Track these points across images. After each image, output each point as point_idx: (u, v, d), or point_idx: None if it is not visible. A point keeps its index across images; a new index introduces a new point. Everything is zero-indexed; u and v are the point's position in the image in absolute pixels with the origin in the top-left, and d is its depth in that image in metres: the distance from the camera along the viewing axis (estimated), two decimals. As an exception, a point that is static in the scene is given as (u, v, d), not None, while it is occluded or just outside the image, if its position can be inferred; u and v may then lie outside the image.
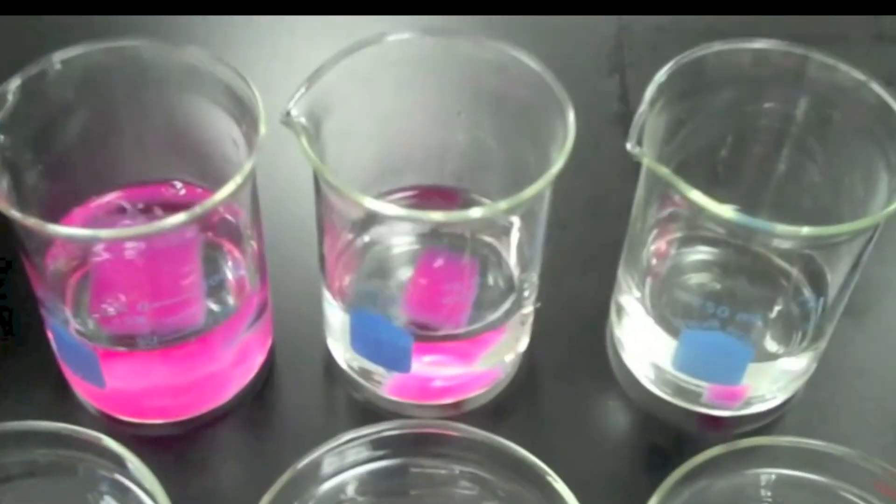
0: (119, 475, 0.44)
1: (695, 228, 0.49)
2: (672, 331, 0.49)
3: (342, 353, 0.51)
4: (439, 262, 0.50)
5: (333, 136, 0.46)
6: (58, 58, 0.45)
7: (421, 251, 0.51)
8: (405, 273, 0.51)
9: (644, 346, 0.51)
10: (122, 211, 0.49)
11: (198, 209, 0.41)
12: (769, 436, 0.48)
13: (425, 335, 0.48)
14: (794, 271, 0.50)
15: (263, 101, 0.44)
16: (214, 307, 0.48)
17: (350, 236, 0.50)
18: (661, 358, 0.50)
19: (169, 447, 0.49)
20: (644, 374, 0.51)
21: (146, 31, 0.47)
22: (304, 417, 0.51)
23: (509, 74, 0.46)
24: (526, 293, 0.49)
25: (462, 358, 0.49)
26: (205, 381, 0.49)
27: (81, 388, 0.50)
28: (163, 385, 0.48)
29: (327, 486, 0.45)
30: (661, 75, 0.46)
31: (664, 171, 0.43)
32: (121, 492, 0.44)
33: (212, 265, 0.49)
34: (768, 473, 0.46)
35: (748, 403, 0.50)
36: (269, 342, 0.52)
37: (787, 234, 0.44)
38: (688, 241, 0.51)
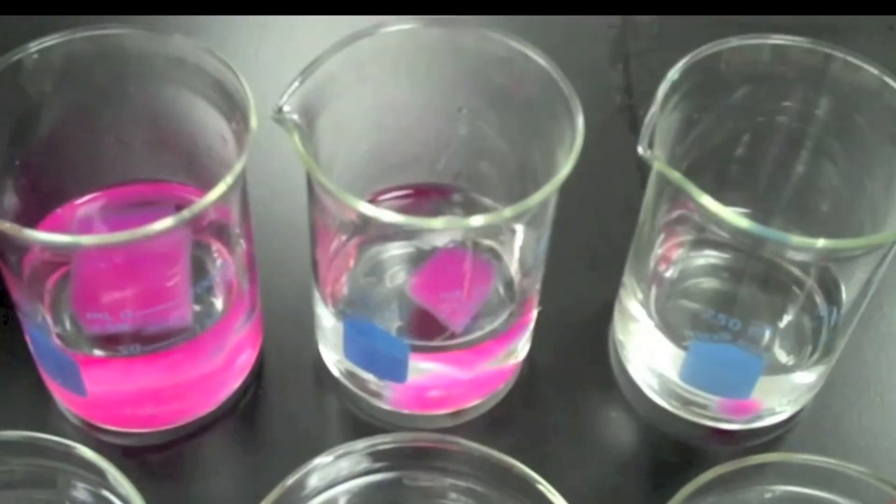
0: (98, 487, 0.42)
1: (705, 232, 0.48)
2: (678, 339, 0.47)
3: (334, 359, 0.49)
4: (437, 268, 0.48)
5: (328, 132, 0.44)
6: (35, 47, 0.43)
7: (418, 255, 0.49)
8: (401, 278, 0.49)
9: (648, 354, 0.49)
10: (105, 212, 0.47)
11: (186, 213, 0.39)
12: (780, 452, 0.47)
13: (422, 344, 0.46)
14: (808, 281, 0.48)
15: (254, 96, 0.42)
16: (201, 311, 0.46)
17: (344, 238, 0.49)
18: (667, 368, 0.48)
19: (152, 458, 0.47)
20: (648, 385, 0.50)
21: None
22: (294, 426, 0.49)
23: (514, 69, 0.44)
24: (527, 301, 0.47)
25: (459, 367, 0.47)
26: (190, 388, 0.47)
27: (61, 396, 0.48)
28: (147, 393, 0.46)
29: (319, 499, 0.43)
30: (673, 72, 0.44)
31: (676, 175, 0.41)
32: (101, 503, 0.42)
33: (199, 267, 0.47)
34: (778, 490, 0.44)
35: (757, 417, 0.49)
36: (259, 348, 0.50)
37: (801, 246, 0.42)
38: (697, 245, 0.50)
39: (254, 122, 0.41)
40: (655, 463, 0.49)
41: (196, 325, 0.46)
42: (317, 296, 0.47)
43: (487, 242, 0.49)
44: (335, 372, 0.49)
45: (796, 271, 0.49)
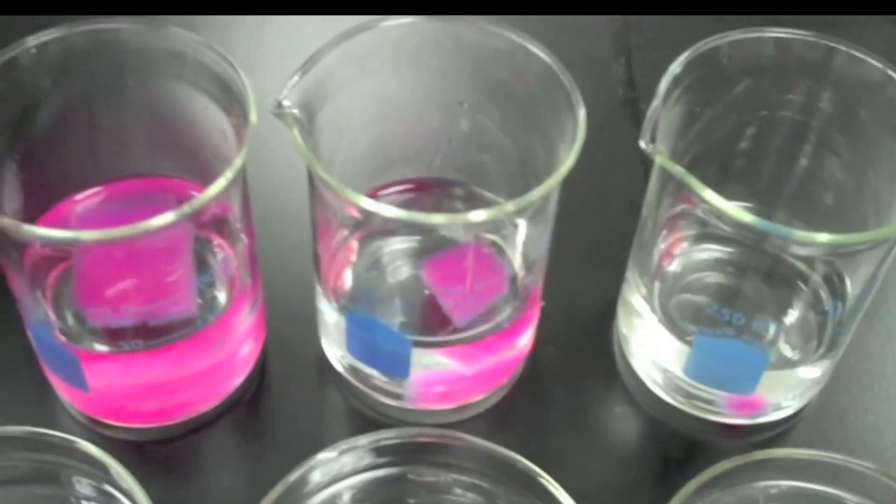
0: (101, 482, 0.42)
1: (708, 227, 0.47)
2: (681, 334, 0.47)
3: (337, 354, 0.49)
4: (439, 263, 0.48)
5: (328, 126, 0.44)
6: (32, 42, 0.43)
7: (420, 250, 0.49)
8: (403, 273, 0.49)
9: (652, 349, 0.49)
10: (106, 207, 0.47)
11: (186, 208, 0.39)
12: (785, 447, 0.46)
13: (424, 339, 0.46)
14: (813, 275, 0.48)
15: (254, 90, 0.42)
16: (203, 306, 0.46)
17: (345, 233, 0.48)
18: (671, 362, 0.48)
19: (155, 453, 0.47)
20: (652, 379, 0.49)
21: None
22: (297, 422, 0.49)
23: (516, 63, 0.44)
24: (531, 296, 0.47)
25: (463, 362, 0.47)
26: (193, 383, 0.46)
27: (64, 391, 0.47)
28: (149, 388, 0.46)
29: (322, 494, 0.43)
30: (675, 66, 0.43)
31: (679, 169, 0.41)
32: (104, 498, 0.42)
33: (201, 262, 0.46)
34: (783, 486, 0.44)
35: (762, 412, 0.48)
36: (261, 343, 0.50)
37: (805, 241, 0.41)
38: (700, 239, 0.50)
39: (254, 116, 0.41)
40: (659, 458, 0.48)
41: (198, 320, 0.45)
42: (319, 291, 0.47)
43: (490, 237, 0.48)
44: (338, 367, 0.49)
45: (800, 266, 0.48)
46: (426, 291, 0.48)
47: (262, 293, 0.48)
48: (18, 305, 0.45)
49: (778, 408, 0.48)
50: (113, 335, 0.44)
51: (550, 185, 0.40)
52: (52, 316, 0.46)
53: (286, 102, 0.41)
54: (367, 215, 0.41)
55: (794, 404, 0.49)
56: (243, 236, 0.46)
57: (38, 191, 0.45)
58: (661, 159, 0.41)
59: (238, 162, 0.40)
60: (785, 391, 0.48)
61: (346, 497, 0.44)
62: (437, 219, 0.41)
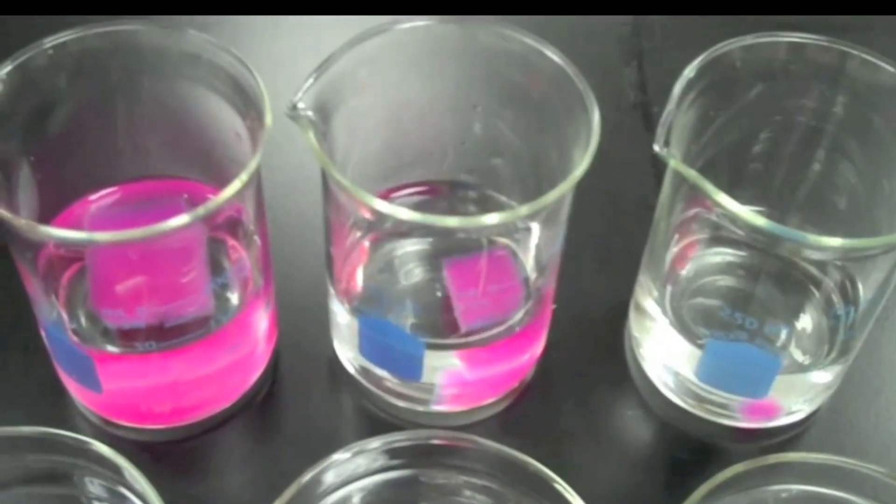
0: (114, 482, 0.42)
1: (720, 230, 0.47)
2: (693, 338, 0.47)
3: (349, 356, 0.49)
4: (452, 265, 0.48)
5: (342, 129, 0.44)
6: (49, 43, 0.43)
7: (433, 252, 0.49)
8: (416, 275, 0.49)
9: (664, 352, 0.49)
10: (120, 208, 0.47)
11: (201, 210, 0.39)
12: (797, 451, 0.47)
13: (437, 342, 0.46)
14: (825, 280, 0.48)
15: (268, 92, 0.42)
16: (217, 307, 0.46)
17: (358, 235, 0.48)
18: (682, 366, 0.48)
19: (167, 453, 0.47)
20: (664, 383, 0.49)
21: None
22: (309, 423, 0.49)
23: (529, 66, 0.44)
24: (543, 299, 0.47)
25: (475, 365, 0.47)
26: (206, 384, 0.47)
27: (77, 392, 0.48)
28: (162, 389, 0.46)
29: (334, 496, 0.43)
30: (689, 70, 0.44)
31: (692, 173, 0.41)
32: (116, 499, 0.42)
33: (214, 264, 0.46)
34: (794, 490, 0.44)
35: (775, 417, 0.48)
36: (274, 344, 0.50)
37: (818, 245, 0.41)
38: (712, 243, 0.49)
39: (269, 118, 0.41)
40: (671, 461, 0.49)
41: (211, 323, 0.45)
42: (331, 292, 0.47)
43: (502, 240, 0.49)
44: (350, 368, 0.49)
45: (813, 270, 0.48)
46: (439, 293, 0.48)
47: (275, 294, 0.48)
48: (32, 306, 0.45)
49: (790, 412, 0.48)
50: (126, 336, 0.44)
51: (564, 189, 0.40)
52: (66, 316, 0.46)
53: (301, 105, 0.41)
54: (381, 217, 0.42)
55: (806, 408, 0.49)
56: (257, 238, 0.46)
57: (52, 191, 0.45)
58: (674, 163, 0.41)
59: (253, 164, 0.40)
60: (796, 395, 0.48)
61: (358, 498, 0.44)
62: (451, 221, 0.41)
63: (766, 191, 0.48)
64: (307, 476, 0.41)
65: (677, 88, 0.43)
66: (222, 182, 0.40)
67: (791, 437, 0.49)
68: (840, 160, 0.47)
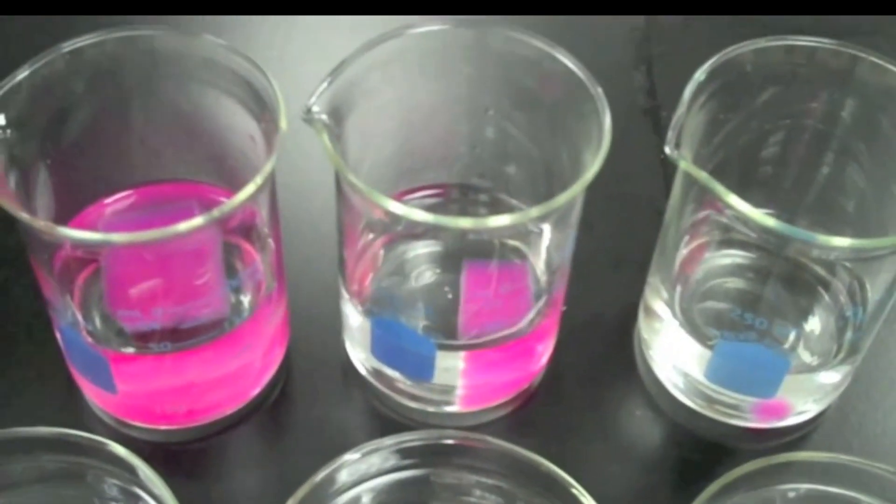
0: (128, 482, 0.42)
1: (730, 232, 0.48)
2: (703, 339, 0.47)
3: (361, 357, 0.49)
4: (464, 267, 0.48)
5: (356, 132, 0.44)
6: (67, 47, 0.43)
7: (445, 254, 0.49)
8: (428, 277, 0.49)
9: (674, 353, 0.49)
10: (136, 210, 0.48)
11: (216, 213, 0.39)
12: (807, 451, 0.47)
13: (449, 343, 0.46)
14: (834, 281, 0.48)
15: (282, 96, 0.42)
16: (230, 309, 0.46)
17: (371, 237, 0.49)
18: (692, 367, 0.48)
19: (181, 454, 0.48)
20: (673, 383, 0.49)
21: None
22: (322, 423, 0.49)
23: (541, 71, 0.44)
24: (553, 300, 0.47)
25: (486, 366, 0.47)
26: (220, 385, 0.47)
27: (92, 393, 0.48)
28: (176, 390, 0.46)
29: (347, 496, 0.43)
30: (700, 73, 0.44)
31: (703, 175, 0.41)
32: (130, 499, 0.43)
33: (228, 266, 0.47)
34: (803, 489, 0.44)
35: (785, 417, 0.48)
36: (286, 345, 0.50)
37: (827, 246, 0.42)
38: (722, 244, 0.50)
39: (283, 122, 0.41)
40: (680, 462, 0.49)
41: (224, 324, 0.45)
42: (344, 294, 0.48)
43: (513, 243, 0.49)
44: (362, 370, 0.49)
45: (822, 271, 0.49)
46: (450, 295, 0.49)
47: (288, 296, 0.49)
48: (48, 307, 0.45)
49: (798, 412, 0.48)
50: (141, 337, 0.45)
51: (575, 191, 0.40)
52: (81, 318, 0.46)
53: (316, 108, 0.41)
54: (394, 219, 0.42)
55: (814, 408, 0.49)
56: (270, 241, 0.46)
57: (68, 194, 0.46)
58: (685, 165, 0.42)
59: (267, 168, 0.41)
60: (805, 396, 0.48)
61: (370, 498, 0.44)
62: (463, 223, 0.41)
63: (775, 193, 0.49)
64: (320, 475, 0.41)
65: (688, 91, 0.43)
66: (237, 186, 0.40)
67: (799, 436, 0.49)
68: (849, 163, 0.47)
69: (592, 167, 0.40)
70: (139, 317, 0.44)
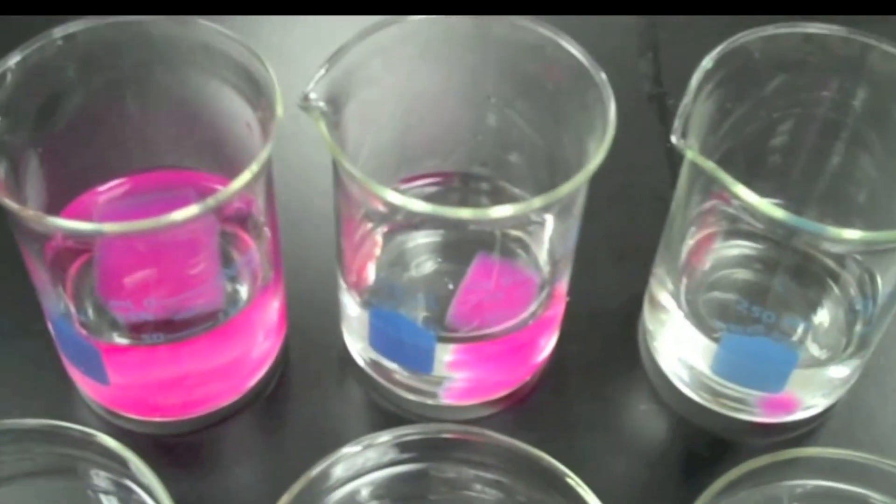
0: (120, 475, 0.42)
1: (737, 223, 0.47)
2: (709, 331, 0.47)
3: (359, 348, 0.48)
4: (464, 257, 0.47)
5: (354, 120, 0.43)
6: (59, 33, 0.43)
7: (445, 245, 0.49)
8: (427, 267, 0.49)
9: (679, 346, 0.48)
10: (130, 198, 0.47)
11: (210, 201, 0.38)
12: (813, 446, 0.46)
13: (448, 335, 0.45)
14: (843, 273, 0.47)
15: (279, 84, 0.41)
16: (226, 299, 0.46)
17: (369, 227, 0.48)
18: (697, 360, 0.47)
19: (175, 447, 0.47)
20: (678, 377, 0.49)
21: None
22: (319, 416, 0.48)
23: (545, 57, 0.44)
24: (556, 292, 0.46)
25: (486, 358, 0.47)
26: (214, 377, 0.46)
27: (83, 384, 0.47)
28: (170, 381, 0.46)
29: (344, 490, 0.43)
30: (707, 61, 0.43)
31: (710, 164, 0.40)
32: (122, 492, 0.42)
33: (224, 255, 0.46)
34: (811, 485, 0.43)
35: (793, 412, 0.48)
36: (283, 336, 0.49)
37: (836, 238, 0.41)
38: (729, 235, 0.49)
39: (280, 109, 0.41)
40: (686, 456, 0.48)
41: (219, 315, 0.45)
42: (342, 285, 0.47)
43: (516, 233, 0.48)
44: (360, 361, 0.49)
45: (831, 263, 0.48)
46: (450, 286, 0.48)
47: (285, 287, 0.48)
48: (39, 297, 0.44)
49: (806, 407, 0.48)
50: (134, 328, 0.44)
51: (579, 181, 0.40)
52: (73, 308, 0.45)
53: (313, 95, 0.40)
54: (392, 209, 0.41)
55: (823, 403, 0.48)
56: (266, 230, 0.45)
57: (61, 182, 0.45)
58: (691, 154, 0.41)
59: (263, 155, 0.40)
60: (813, 390, 0.47)
61: (368, 492, 0.44)
62: (464, 213, 0.41)
63: (784, 183, 0.48)
64: (316, 470, 0.40)
65: (695, 79, 0.42)
66: (232, 173, 0.40)
67: (807, 431, 0.48)
68: (859, 153, 0.46)
69: (597, 156, 0.40)
70: (131, 307, 0.43)
